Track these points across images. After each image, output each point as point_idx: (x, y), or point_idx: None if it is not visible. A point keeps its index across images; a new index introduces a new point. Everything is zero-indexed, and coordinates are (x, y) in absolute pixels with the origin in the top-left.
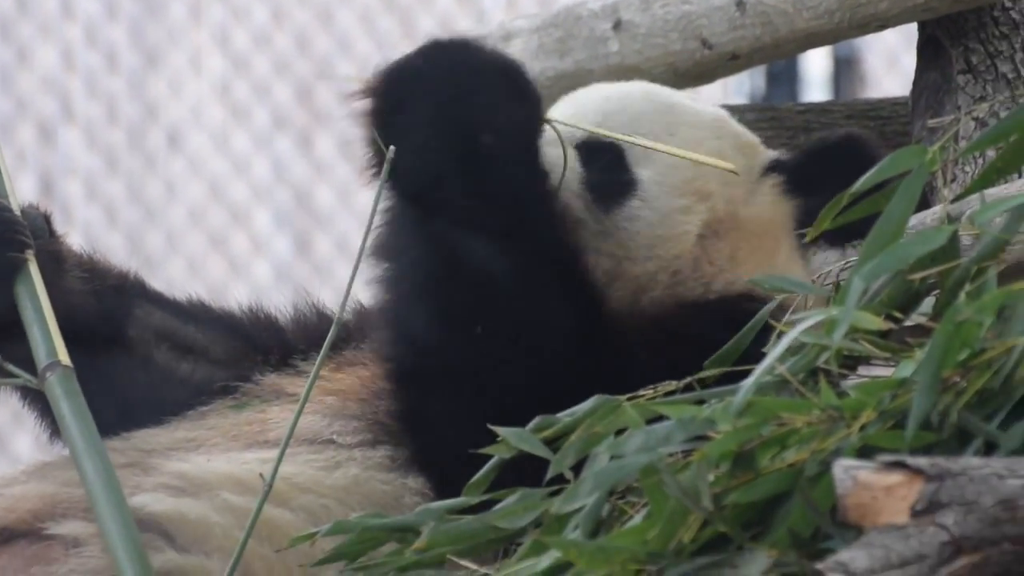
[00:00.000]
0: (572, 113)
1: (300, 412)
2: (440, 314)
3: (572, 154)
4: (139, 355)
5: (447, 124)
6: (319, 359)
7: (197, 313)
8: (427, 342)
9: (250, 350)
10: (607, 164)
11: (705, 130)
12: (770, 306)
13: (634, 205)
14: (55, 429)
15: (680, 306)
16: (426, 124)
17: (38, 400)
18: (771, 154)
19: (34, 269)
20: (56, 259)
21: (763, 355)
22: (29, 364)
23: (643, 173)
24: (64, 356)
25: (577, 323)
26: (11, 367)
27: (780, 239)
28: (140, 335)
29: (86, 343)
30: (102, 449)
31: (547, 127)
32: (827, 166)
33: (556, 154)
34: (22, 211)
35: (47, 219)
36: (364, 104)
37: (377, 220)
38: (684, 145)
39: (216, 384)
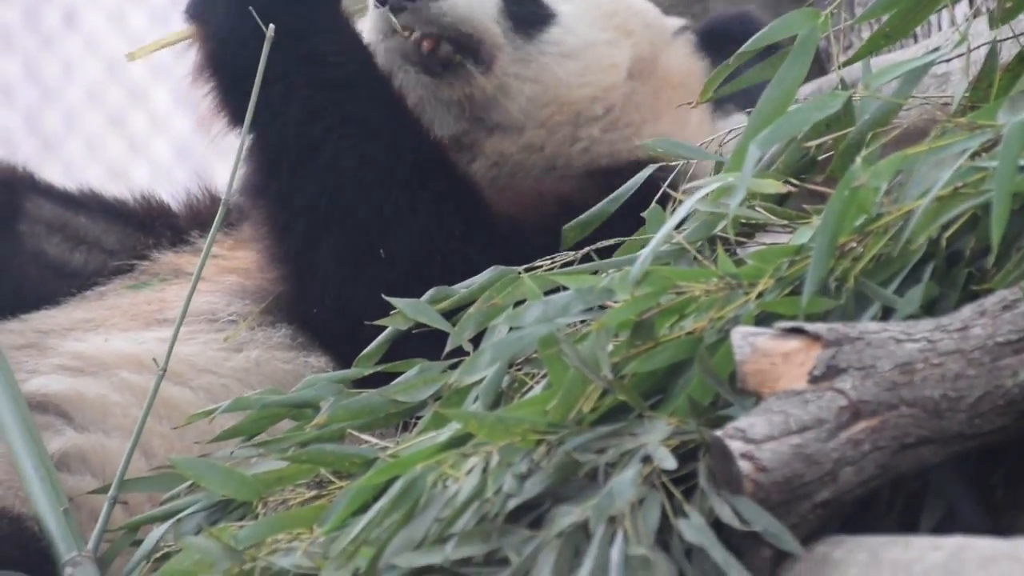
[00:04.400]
0: None
1: (191, 295)
2: (326, 188)
3: None
4: (32, 248)
5: None
6: (208, 242)
7: (88, 202)
8: (292, 223)
9: (142, 237)
10: None
11: None
12: (647, 170)
13: (556, 32)
14: None
15: (602, 167)
16: None
17: None
18: (678, 21)
19: None
20: None
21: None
22: None
23: (562, 7)
24: None
25: (452, 197)
26: None
27: (695, 96)
28: (32, 228)
29: None
30: None
31: None
32: (731, 36)
33: None
34: None
35: None
36: None
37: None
38: None
39: (112, 266)
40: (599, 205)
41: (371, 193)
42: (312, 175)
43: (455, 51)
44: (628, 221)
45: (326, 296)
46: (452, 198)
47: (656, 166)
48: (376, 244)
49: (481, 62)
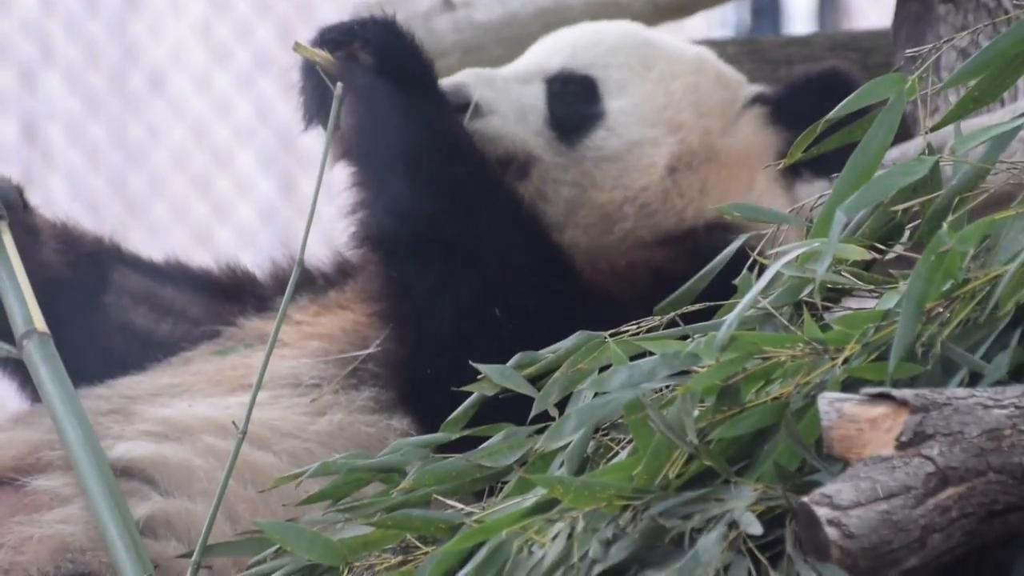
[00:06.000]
0: (545, 50)
1: (268, 355)
2: (419, 266)
3: (540, 90)
4: (118, 319)
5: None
6: (283, 303)
7: (174, 273)
8: (410, 290)
9: (227, 306)
10: (577, 96)
11: (684, 65)
12: (740, 239)
13: (600, 136)
14: (36, 398)
15: (652, 240)
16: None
17: (18, 370)
18: (755, 88)
19: (8, 239)
20: (31, 232)
21: (735, 288)
22: (7, 337)
23: (613, 104)
24: (40, 323)
25: (551, 267)
26: None
27: (757, 170)
28: (118, 300)
29: (66, 313)
30: (82, 413)
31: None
32: (811, 98)
33: (534, 92)
34: None
35: (20, 191)
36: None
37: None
38: (661, 79)
39: (198, 334)
40: (691, 281)
41: (497, 257)
42: (447, 231)
43: (496, 163)
44: (711, 285)
45: (442, 356)
46: (561, 270)
47: (748, 234)
48: (494, 306)
49: (518, 172)
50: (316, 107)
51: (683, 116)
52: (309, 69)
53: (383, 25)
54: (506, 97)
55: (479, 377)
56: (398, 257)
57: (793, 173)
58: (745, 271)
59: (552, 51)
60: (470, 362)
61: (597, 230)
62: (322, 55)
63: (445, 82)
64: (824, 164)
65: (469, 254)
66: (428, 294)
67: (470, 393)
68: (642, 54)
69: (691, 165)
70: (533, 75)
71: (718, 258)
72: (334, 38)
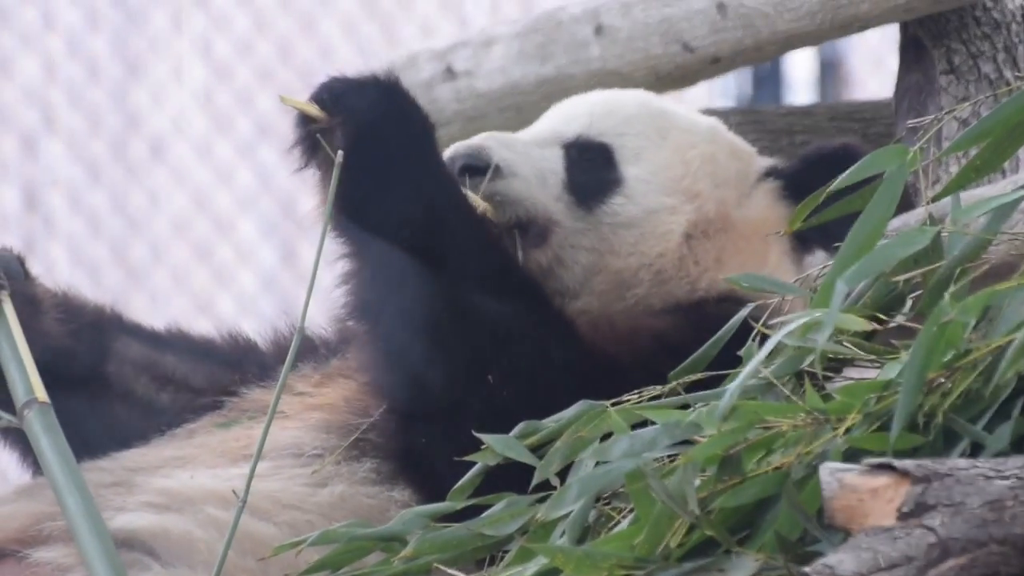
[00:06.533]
0: (562, 117)
1: (268, 427)
2: (410, 334)
3: (558, 154)
4: (120, 389)
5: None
6: (283, 373)
7: (175, 342)
8: (405, 360)
9: (230, 374)
10: (594, 163)
11: (699, 135)
12: (746, 310)
13: (617, 202)
14: (37, 467)
15: (661, 307)
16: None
17: (19, 440)
18: (767, 162)
19: (8, 309)
20: (32, 302)
21: (740, 359)
22: (8, 407)
23: (630, 171)
24: (41, 393)
25: (548, 331)
26: None
27: (771, 242)
28: (119, 369)
29: (68, 382)
30: (82, 483)
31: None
32: (824, 174)
33: (553, 156)
34: None
35: (21, 261)
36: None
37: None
38: (677, 149)
39: (200, 404)
40: (702, 349)
41: (487, 321)
42: (435, 299)
43: (513, 226)
44: (718, 355)
45: (434, 425)
46: (556, 333)
47: (753, 305)
48: (486, 373)
49: (537, 237)
50: (310, 154)
51: (700, 185)
52: (304, 119)
53: (379, 90)
54: (526, 160)
55: (483, 447)
56: (385, 328)
57: (803, 246)
58: (749, 341)
59: (568, 118)
60: (473, 432)
61: (611, 296)
62: (307, 107)
63: (462, 144)
64: (831, 236)
65: (458, 321)
66: (416, 364)
67: (468, 461)
68: (658, 124)
69: (707, 234)
70: (550, 141)
71: (727, 326)
72: (324, 100)
